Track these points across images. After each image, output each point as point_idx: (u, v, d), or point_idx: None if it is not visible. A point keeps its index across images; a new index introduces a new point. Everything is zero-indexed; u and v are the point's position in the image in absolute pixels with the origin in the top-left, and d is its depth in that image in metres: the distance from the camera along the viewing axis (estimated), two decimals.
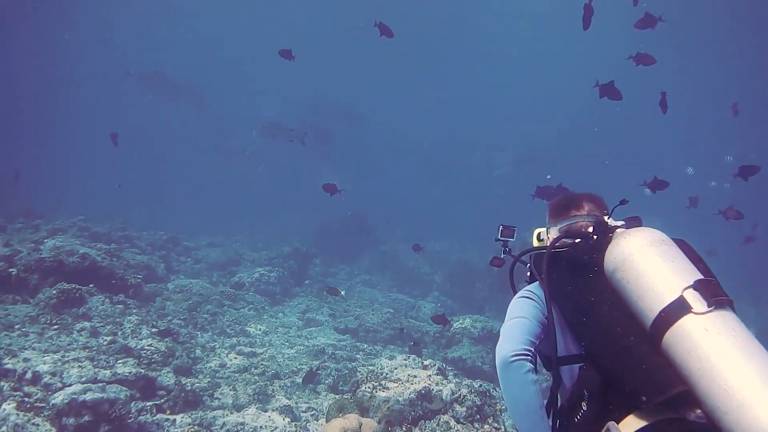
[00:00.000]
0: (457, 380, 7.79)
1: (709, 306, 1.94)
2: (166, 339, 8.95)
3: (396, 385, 7.23)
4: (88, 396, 6.45)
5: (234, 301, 12.13)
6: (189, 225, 23.10)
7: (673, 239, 2.30)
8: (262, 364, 9.03)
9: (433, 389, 7.06)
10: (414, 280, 18.93)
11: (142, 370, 7.62)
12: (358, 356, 10.55)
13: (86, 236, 13.86)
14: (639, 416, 2.00)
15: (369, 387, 7.20)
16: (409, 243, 21.98)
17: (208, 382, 7.98)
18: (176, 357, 8.23)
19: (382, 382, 7.28)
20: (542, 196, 9.69)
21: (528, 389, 2.21)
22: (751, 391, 1.74)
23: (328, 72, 42.07)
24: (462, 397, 6.73)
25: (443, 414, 6.57)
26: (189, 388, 7.54)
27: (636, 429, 1.98)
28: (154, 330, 9.15)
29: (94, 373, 7.28)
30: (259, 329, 11.05)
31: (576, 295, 2.28)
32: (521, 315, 2.38)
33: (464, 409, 6.59)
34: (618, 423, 2.01)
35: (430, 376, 7.53)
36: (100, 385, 6.78)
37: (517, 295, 2.54)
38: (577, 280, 2.31)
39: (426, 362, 8.26)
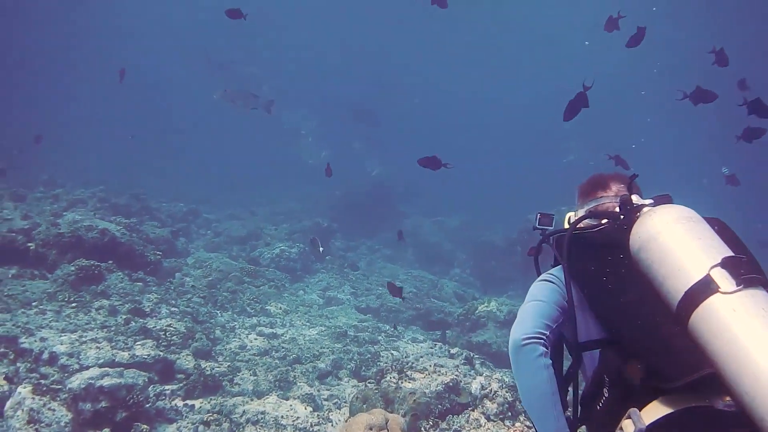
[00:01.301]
0: (487, 372, 7.55)
1: (738, 285, 1.81)
2: (186, 319, 8.76)
3: (422, 375, 6.97)
4: (106, 381, 6.25)
5: (254, 278, 11.91)
6: (212, 193, 22.96)
7: (706, 218, 2.18)
8: (283, 347, 8.82)
9: (461, 381, 6.79)
10: (435, 256, 18.66)
11: (161, 353, 7.44)
12: (380, 338, 10.32)
13: (106, 208, 13.69)
14: (663, 403, 1.88)
15: (394, 377, 6.95)
16: (430, 218, 21.85)
17: (228, 366, 7.77)
18: (196, 339, 8.03)
19: (408, 372, 7.02)
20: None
21: (540, 374, 2.11)
22: None
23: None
24: (492, 392, 6.45)
25: (472, 410, 6.30)
26: (208, 372, 7.34)
27: (660, 416, 1.86)
28: (174, 309, 8.96)
29: (112, 354, 7.11)
30: (280, 308, 10.84)
31: (599, 277, 2.16)
32: (538, 298, 2.29)
33: (495, 405, 6.32)
34: (641, 410, 1.90)
35: (457, 366, 7.28)
36: (118, 369, 6.58)
37: (538, 279, 2.44)
38: (601, 262, 2.19)
39: (453, 350, 8.02)
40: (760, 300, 1.79)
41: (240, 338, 9.02)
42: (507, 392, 6.47)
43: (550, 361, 2.14)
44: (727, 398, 1.79)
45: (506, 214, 21.74)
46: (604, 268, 2.16)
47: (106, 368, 6.54)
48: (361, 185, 21.58)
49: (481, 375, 7.20)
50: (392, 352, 9.37)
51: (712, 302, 1.80)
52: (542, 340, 2.14)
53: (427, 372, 7.07)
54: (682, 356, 1.83)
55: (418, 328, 11.64)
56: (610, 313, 2.09)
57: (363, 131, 28.15)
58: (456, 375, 6.95)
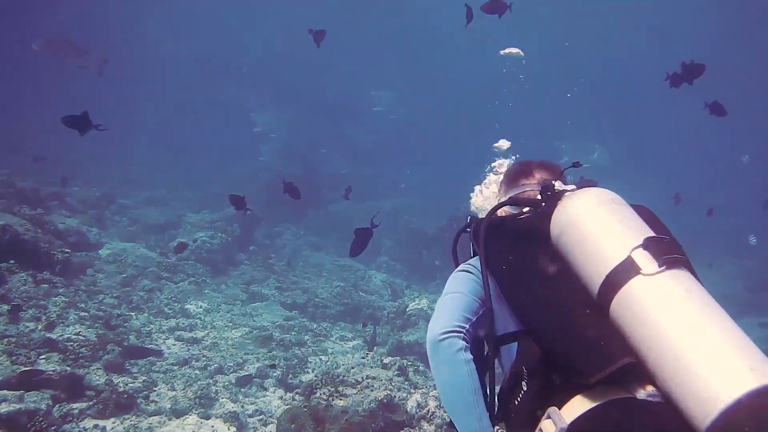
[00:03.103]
0: (421, 384, 7.22)
1: (660, 266, 1.74)
2: (97, 324, 8.09)
3: (355, 391, 6.59)
4: (3, 409, 5.62)
5: (173, 273, 11.22)
6: (133, 173, 21.76)
7: (632, 205, 2.10)
8: (203, 356, 8.26)
9: (395, 396, 6.45)
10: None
11: (68, 368, 6.80)
12: (306, 339, 9.92)
13: (11, 194, 12.61)
14: (585, 398, 1.74)
15: (324, 393, 6.54)
16: (357, 202, 21.39)
17: (144, 380, 7.17)
18: (107, 351, 7.38)
19: (339, 388, 6.62)
20: None
21: (460, 370, 1.97)
22: (705, 360, 1.55)
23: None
24: (430, 413, 6.14)
25: (410, 430, 5.98)
26: (121, 388, 6.74)
27: (580, 413, 1.73)
28: (83, 314, 8.26)
29: (13, 371, 6.44)
30: (200, 307, 10.25)
31: (517, 266, 2.04)
32: (457, 290, 2.15)
33: (433, 428, 6.01)
34: (561, 407, 1.77)
35: (390, 379, 6.92)
36: (17, 393, 5.94)
37: (456, 269, 2.30)
38: (519, 250, 2.08)
39: (385, 360, 7.66)
40: (683, 281, 1.73)
41: (157, 344, 8.42)
42: (444, 411, 6.17)
43: (471, 356, 1.99)
44: (650, 387, 1.69)
45: (439, 200, 21.57)
46: (522, 256, 2.05)
47: (4, 391, 5.90)
48: (289, 170, 20.93)
49: (416, 389, 6.88)
50: (320, 357, 8.98)
51: (634, 285, 1.73)
52: (462, 334, 2.00)
53: (359, 386, 6.70)
54: (600, 347, 1.71)
55: (346, 325, 11.26)
56: (528, 303, 1.95)
57: (332, 131, 27.67)
58: (390, 390, 6.60)
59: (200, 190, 20.12)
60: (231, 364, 8.17)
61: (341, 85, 36.36)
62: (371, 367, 7.34)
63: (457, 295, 2.13)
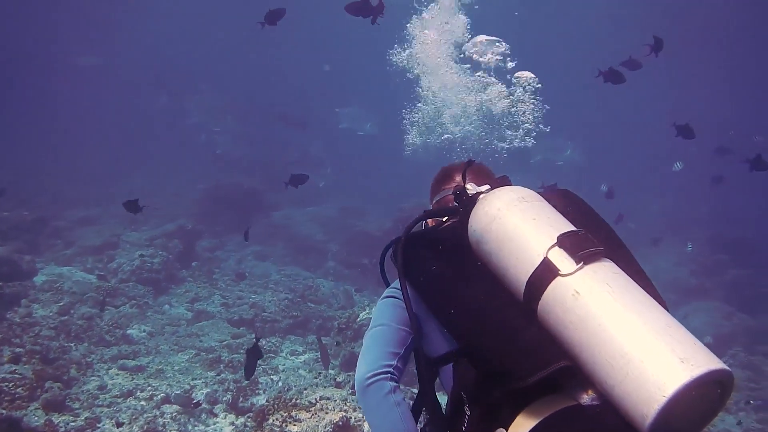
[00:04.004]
0: None
1: (577, 263, 1.68)
2: (34, 360, 7.72)
3: (309, 414, 6.42)
4: None
5: (113, 297, 10.81)
6: (69, 190, 20.95)
7: (550, 191, 2.11)
8: (149, 385, 7.95)
9: (351, 417, 6.33)
10: (309, 249, 18.01)
11: (4, 411, 6.46)
12: None
13: None
14: (530, 412, 1.70)
15: (278, 419, 6.36)
16: (303, 208, 21.12)
17: (86, 417, 6.87)
18: (45, 389, 7.04)
19: (292, 412, 6.44)
20: None
21: (390, 415, 1.91)
22: (634, 358, 1.50)
23: None
24: None
25: None
26: (63, 429, 6.44)
27: (528, 429, 1.67)
28: (18, 350, 7.87)
29: None
30: (144, 331, 9.91)
31: (440, 281, 1.96)
32: (382, 321, 2.09)
33: None
34: (509, 427, 1.72)
35: (345, 399, 6.78)
36: None
37: (382, 296, 2.23)
38: (442, 261, 2.00)
39: (339, 378, 7.53)
40: (603, 275, 1.67)
41: (99, 376, 8.09)
42: None
43: (401, 397, 1.94)
44: (591, 392, 1.65)
45: (384, 201, 21.46)
46: (445, 268, 1.98)
47: None
48: (227, 177, 20.52)
49: None
50: (272, 376, 8.78)
51: (554, 287, 1.68)
52: (389, 374, 1.96)
53: (313, 409, 6.54)
54: (534, 352, 1.68)
55: (296, 338, 11.06)
56: (457, 319, 1.88)
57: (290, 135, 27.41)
58: (345, 411, 6.46)
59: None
60: (178, 392, 7.89)
61: (306, 99, 35.99)
62: (324, 387, 7.21)
63: (381, 328, 2.06)
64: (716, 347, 12.68)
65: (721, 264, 17.53)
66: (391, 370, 1.97)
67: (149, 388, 7.89)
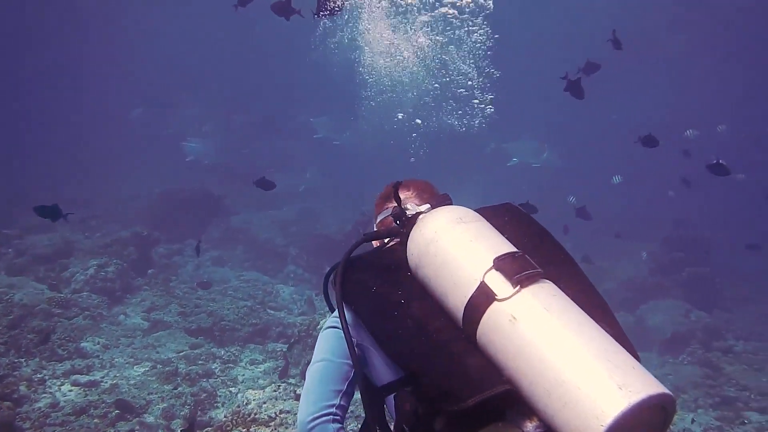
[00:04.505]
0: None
1: (514, 286, 1.62)
2: None
3: (268, 430, 6.35)
4: None
5: (66, 309, 10.50)
6: (23, 197, 20.34)
7: (492, 207, 2.09)
8: (103, 402, 7.74)
9: None
10: (268, 253, 17.81)
11: None
12: (215, 367, 9.51)
13: None
14: None
15: None
16: (262, 211, 20.91)
17: None
18: None
19: (252, 428, 6.34)
20: None
21: None
22: (572, 385, 1.45)
23: None
24: None
25: None
26: None
27: None
28: None
29: None
30: (98, 344, 9.65)
31: (382, 305, 1.89)
32: (323, 356, 2.02)
33: None
34: None
35: None
36: None
37: (324, 325, 2.14)
38: (383, 287, 1.94)
39: (298, 390, 7.41)
40: (541, 299, 1.61)
41: (51, 392, 7.85)
42: None
43: None
44: (535, 419, 1.59)
45: (346, 204, 21.39)
46: (386, 294, 1.91)
47: None
48: (184, 180, 20.19)
49: None
50: (230, 388, 8.63)
51: (491, 313, 1.62)
52: (331, 415, 1.89)
53: (273, 424, 6.46)
54: (474, 376, 1.62)
55: (256, 347, 10.90)
56: (399, 345, 1.81)
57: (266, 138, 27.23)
58: None
59: (91, 207, 19.13)
60: (134, 407, 7.70)
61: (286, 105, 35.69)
62: (284, 400, 7.10)
63: (322, 364, 2.00)
64: (674, 345, 12.95)
65: (678, 262, 17.83)
66: (333, 410, 1.90)
67: (103, 405, 7.68)
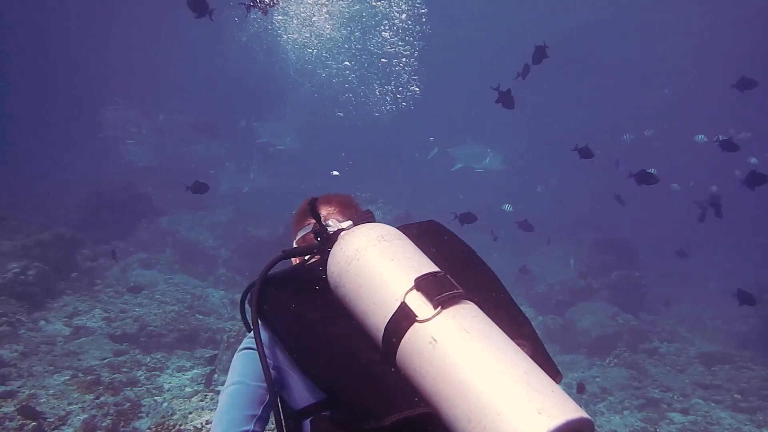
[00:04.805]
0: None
1: (435, 308, 1.58)
2: None
3: None
4: None
5: None
6: None
7: (416, 225, 2.07)
8: (18, 415, 7.41)
9: None
10: (198, 255, 17.46)
11: None
12: (140, 375, 9.26)
13: None
14: None
15: None
16: (193, 212, 20.46)
17: None
18: None
19: None
20: None
21: None
22: (492, 411, 1.40)
23: None
24: None
25: None
26: None
27: None
28: None
29: None
30: (15, 351, 9.24)
31: (300, 324, 1.81)
32: (237, 379, 1.92)
33: None
34: None
35: None
36: None
37: (240, 346, 2.04)
38: (302, 306, 1.86)
39: None
40: (462, 321, 1.57)
41: None
42: None
43: None
44: None
45: (282, 206, 21.15)
46: (305, 313, 1.83)
47: None
48: (112, 180, 19.59)
49: None
50: (156, 397, 8.40)
51: (412, 335, 1.58)
52: None
53: None
54: (395, 397, 1.56)
55: (184, 353, 10.66)
56: (318, 367, 1.73)
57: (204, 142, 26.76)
58: None
59: (10, 209, 18.33)
60: (51, 419, 7.41)
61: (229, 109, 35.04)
62: (211, 411, 6.93)
63: (236, 387, 1.90)
64: (602, 347, 13.30)
65: (606, 265, 18.35)
66: None
67: (17, 418, 7.35)
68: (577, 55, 34.94)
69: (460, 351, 1.51)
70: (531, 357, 1.56)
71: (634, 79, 38.15)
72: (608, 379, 12.32)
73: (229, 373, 1.97)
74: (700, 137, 15.71)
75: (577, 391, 10.02)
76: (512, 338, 1.61)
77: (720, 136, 10.68)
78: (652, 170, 10.10)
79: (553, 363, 1.72)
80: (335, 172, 17.24)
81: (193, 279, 15.46)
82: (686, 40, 32.04)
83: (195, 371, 9.87)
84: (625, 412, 11.00)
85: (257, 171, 24.29)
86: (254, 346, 1.91)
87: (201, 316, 12.35)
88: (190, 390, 8.90)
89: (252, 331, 1.94)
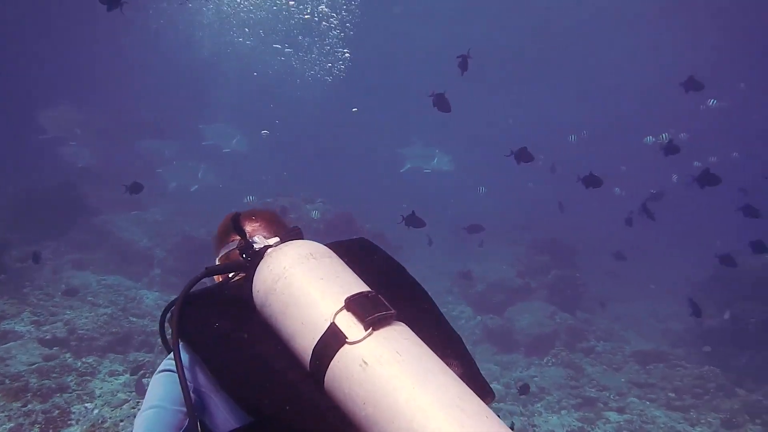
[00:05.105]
0: None
1: (366, 329, 1.54)
2: None
3: None
4: None
5: None
6: None
7: (346, 242, 2.03)
8: None
9: None
10: (133, 256, 17.14)
11: None
12: (70, 380, 9.09)
13: None
14: None
15: None
16: (127, 212, 20.05)
17: None
18: None
19: None
20: None
21: None
22: None
23: None
24: None
25: None
26: None
27: None
28: None
29: None
30: None
31: (225, 345, 1.74)
32: (155, 403, 1.81)
33: None
34: None
35: None
36: None
37: (158, 368, 1.93)
38: (226, 325, 1.78)
39: None
40: (393, 343, 1.53)
41: None
42: None
43: None
44: None
45: (224, 205, 20.94)
46: (229, 333, 1.76)
47: None
48: (45, 178, 19.06)
49: None
50: (86, 404, 8.28)
51: (341, 357, 1.52)
52: None
53: None
54: (323, 419, 1.55)
55: (116, 357, 10.50)
56: (244, 389, 1.66)
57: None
58: None
59: None
60: None
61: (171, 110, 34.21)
62: None
63: (153, 411, 1.81)
64: (540, 347, 13.63)
65: (544, 265, 18.76)
66: None
67: None
68: (532, 56, 35.61)
69: (391, 374, 1.47)
70: (463, 377, 1.57)
71: (586, 80, 39.18)
72: (546, 379, 12.62)
73: (146, 396, 1.88)
74: (649, 139, 16.26)
75: (520, 393, 10.25)
76: (444, 357, 1.60)
77: (664, 136, 11.00)
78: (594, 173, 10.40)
79: (485, 383, 1.74)
80: (264, 132, 17.35)
81: (127, 280, 15.19)
82: (637, 40, 33.13)
83: (128, 376, 9.75)
84: (563, 412, 11.26)
85: (206, 170, 23.94)
86: (174, 368, 1.79)
87: (134, 319, 12.16)
88: (123, 396, 8.79)
89: (172, 352, 1.83)
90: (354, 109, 23.50)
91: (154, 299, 13.75)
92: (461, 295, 18.53)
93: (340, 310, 1.59)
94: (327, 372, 1.55)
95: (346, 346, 1.53)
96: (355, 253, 1.96)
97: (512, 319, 15.65)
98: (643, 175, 23.84)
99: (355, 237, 2.18)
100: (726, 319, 14.10)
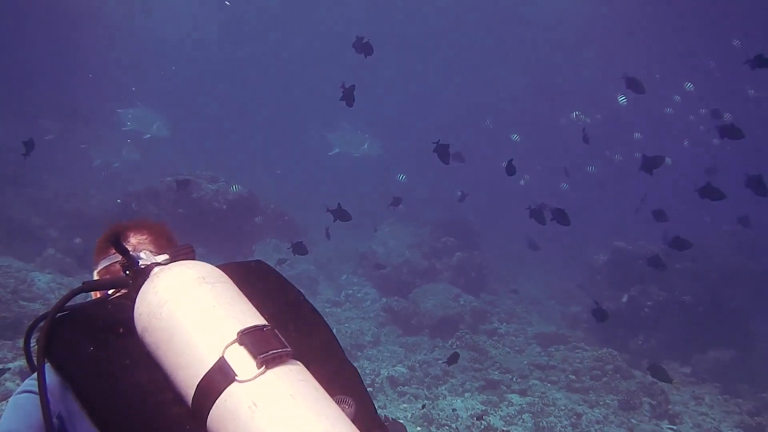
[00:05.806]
0: None
1: (258, 367, 1.44)
2: None
3: None
4: None
5: None
6: None
7: (244, 264, 1.92)
8: None
9: None
10: (24, 235, 16.25)
11: None
12: None
13: None
14: None
15: None
16: (20, 187, 18.99)
17: None
18: None
19: None
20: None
21: None
22: None
23: None
24: None
25: None
26: None
27: None
28: None
29: None
30: None
31: (96, 369, 1.58)
32: (12, 427, 1.65)
33: None
34: None
35: None
36: None
37: (18, 389, 1.77)
38: (100, 347, 1.62)
39: None
40: (287, 384, 1.44)
41: None
42: None
43: None
44: None
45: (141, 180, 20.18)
46: (102, 356, 1.61)
47: None
48: None
49: None
50: None
51: (229, 396, 1.42)
52: None
53: None
54: None
55: (5, 343, 9.93)
56: (116, 420, 1.51)
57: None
58: None
59: None
60: None
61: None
62: None
63: None
64: (445, 329, 13.78)
65: (449, 247, 19.03)
66: None
67: None
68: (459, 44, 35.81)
69: (281, 418, 1.38)
70: (357, 413, 1.53)
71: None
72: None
73: (2, 418, 1.72)
74: (515, 137, 16.89)
75: (449, 363, 10.57)
76: (338, 393, 1.57)
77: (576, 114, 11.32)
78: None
79: (378, 420, 1.71)
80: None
81: (17, 261, 14.36)
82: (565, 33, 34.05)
83: (17, 363, 9.24)
84: (467, 395, 11.42)
85: (130, 147, 22.97)
86: (36, 389, 1.61)
87: (25, 303, 11.50)
88: (12, 385, 8.33)
89: (33, 375, 1.70)
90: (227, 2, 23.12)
91: (46, 281, 13.03)
92: (366, 276, 18.61)
93: (232, 343, 1.49)
94: (211, 410, 1.44)
95: (235, 384, 1.43)
96: (251, 278, 1.86)
97: (417, 301, 15.85)
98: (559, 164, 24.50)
99: (251, 259, 2.07)
100: (623, 302, 14.77)
